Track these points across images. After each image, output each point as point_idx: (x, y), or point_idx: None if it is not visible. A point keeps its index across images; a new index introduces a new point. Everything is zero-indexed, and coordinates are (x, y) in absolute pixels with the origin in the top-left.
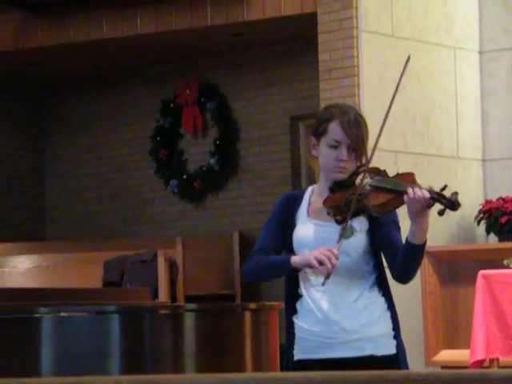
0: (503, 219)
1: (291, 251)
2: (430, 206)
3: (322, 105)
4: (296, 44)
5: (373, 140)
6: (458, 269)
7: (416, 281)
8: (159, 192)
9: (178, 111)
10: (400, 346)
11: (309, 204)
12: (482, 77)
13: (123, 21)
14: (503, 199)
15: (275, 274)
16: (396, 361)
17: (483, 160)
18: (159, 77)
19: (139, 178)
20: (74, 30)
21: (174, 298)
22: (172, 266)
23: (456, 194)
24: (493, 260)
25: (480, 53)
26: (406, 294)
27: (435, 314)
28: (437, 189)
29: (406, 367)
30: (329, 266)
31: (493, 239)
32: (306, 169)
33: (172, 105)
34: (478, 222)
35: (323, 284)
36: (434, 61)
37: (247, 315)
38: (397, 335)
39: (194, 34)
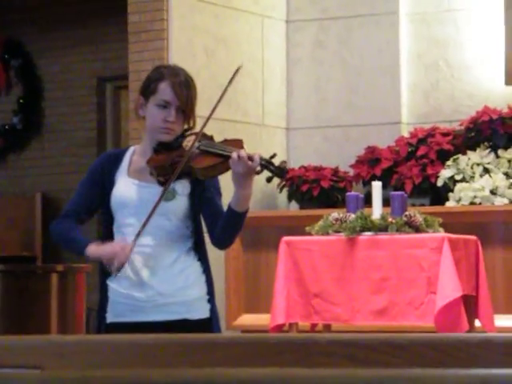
0: (305, 187)
1: (109, 211)
2: (258, 172)
3: (131, 67)
4: (106, 4)
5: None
6: (260, 235)
7: None
8: None
9: None
10: (214, 310)
11: (130, 163)
12: (288, 46)
13: None
14: (305, 168)
15: (74, 252)
16: (209, 325)
17: (287, 128)
18: None
19: None
20: None
21: None
22: None
23: (285, 162)
24: (294, 227)
25: (287, 22)
26: (209, 259)
27: (237, 279)
28: (266, 157)
29: (219, 331)
30: (117, 264)
31: (294, 207)
32: (111, 130)
33: None
34: (281, 190)
35: (114, 276)
36: (242, 28)
37: (54, 277)
38: (211, 299)
39: None
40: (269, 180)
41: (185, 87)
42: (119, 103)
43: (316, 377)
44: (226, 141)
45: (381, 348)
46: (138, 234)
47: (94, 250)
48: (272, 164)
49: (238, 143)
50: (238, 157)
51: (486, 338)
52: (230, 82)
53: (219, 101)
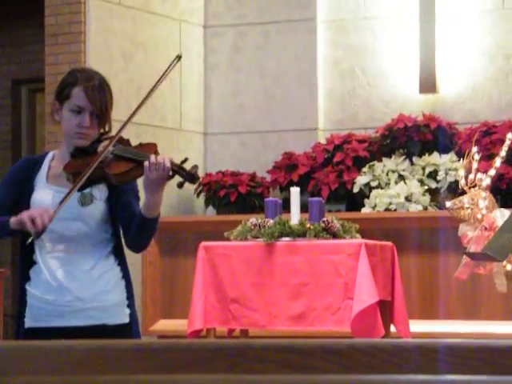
0: (222, 192)
1: None
2: (169, 177)
3: (47, 70)
4: (22, 6)
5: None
6: (177, 240)
7: None
8: None
9: None
10: (133, 316)
11: (48, 169)
12: (205, 51)
13: None
14: (222, 173)
15: (2, 235)
16: (128, 330)
17: (204, 133)
18: None
19: None
20: None
21: None
22: None
23: (196, 167)
24: (212, 232)
25: (204, 27)
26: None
27: (154, 285)
28: (177, 161)
29: (138, 336)
30: (39, 224)
31: (211, 212)
32: (26, 134)
33: None
34: (198, 195)
35: (32, 240)
36: (160, 32)
37: None
38: (130, 305)
39: None
40: (180, 185)
41: (98, 92)
42: (34, 106)
43: (250, 383)
44: (140, 145)
45: (316, 354)
46: (62, 202)
47: (16, 218)
48: (183, 169)
49: (151, 147)
50: (149, 163)
51: (421, 344)
52: (168, 70)
53: (147, 96)
